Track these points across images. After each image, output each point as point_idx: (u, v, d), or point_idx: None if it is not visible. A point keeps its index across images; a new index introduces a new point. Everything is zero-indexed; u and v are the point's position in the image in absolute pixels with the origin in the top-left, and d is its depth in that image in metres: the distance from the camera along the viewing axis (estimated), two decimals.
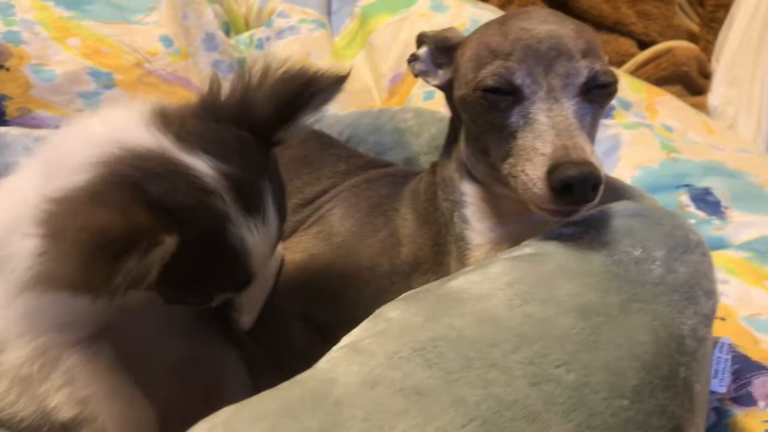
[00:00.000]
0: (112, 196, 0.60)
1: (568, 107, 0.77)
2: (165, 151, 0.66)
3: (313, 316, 0.91)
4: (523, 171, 0.76)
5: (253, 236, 0.67)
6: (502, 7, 2.23)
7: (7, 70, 1.37)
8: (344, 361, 0.60)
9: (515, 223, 0.88)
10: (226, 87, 0.73)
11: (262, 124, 0.71)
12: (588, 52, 0.80)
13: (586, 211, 0.77)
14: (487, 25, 0.89)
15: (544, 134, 0.75)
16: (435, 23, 1.68)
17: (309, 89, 0.71)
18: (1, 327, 0.72)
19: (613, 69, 1.87)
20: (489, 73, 0.80)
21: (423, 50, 0.95)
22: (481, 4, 1.92)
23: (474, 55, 0.85)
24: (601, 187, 0.74)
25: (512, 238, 0.85)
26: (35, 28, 1.41)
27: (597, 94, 0.81)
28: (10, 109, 1.37)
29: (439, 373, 0.57)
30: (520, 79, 0.79)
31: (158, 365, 0.82)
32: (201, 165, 0.65)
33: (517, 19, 0.84)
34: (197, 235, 0.63)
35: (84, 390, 0.72)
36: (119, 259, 0.56)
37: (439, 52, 0.93)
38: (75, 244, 0.56)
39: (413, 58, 0.96)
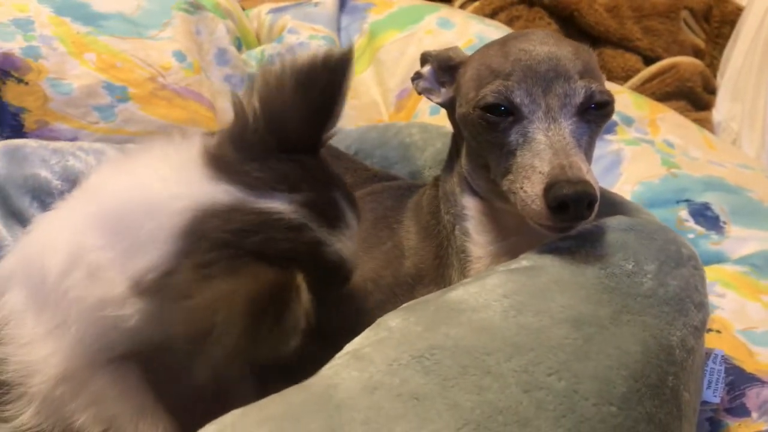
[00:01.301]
0: (224, 263, 0.60)
1: (566, 127, 0.81)
2: (241, 203, 0.65)
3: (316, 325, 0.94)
4: (521, 188, 0.79)
5: (345, 244, 0.70)
6: (509, 23, 2.26)
7: (26, 84, 1.41)
8: (346, 368, 0.63)
9: (514, 236, 0.91)
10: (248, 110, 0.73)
11: (300, 137, 0.71)
12: (585, 73, 0.84)
13: (582, 226, 0.80)
14: (489, 46, 0.92)
15: (541, 153, 0.78)
16: (442, 40, 1.72)
17: (329, 82, 0.72)
18: (35, 353, 0.72)
19: (618, 85, 1.90)
20: (489, 92, 0.83)
21: (426, 68, 0.98)
22: (488, 21, 1.95)
23: (475, 74, 0.88)
24: (596, 205, 0.77)
25: (512, 251, 0.88)
26: (53, 43, 1.45)
27: (594, 114, 0.84)
28: (29, 121, 1.41)
29: (436, 379, 0.60)
30: (519, 98, 0.82)
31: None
32: (278, 204, 0.66)
33: (517, 40, 0.87)
34: (309, 270, 0.64)
35: (111, 409, 0.73)
36: (282, 317, 0.58)
37: (442, 70, 0.96)
38: (229, 323, 0.55)
39: (417, 76, 0.99)
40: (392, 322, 0.69)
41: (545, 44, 0.85)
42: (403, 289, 0.93)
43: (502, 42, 0.90)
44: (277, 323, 0.58)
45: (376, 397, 0.59)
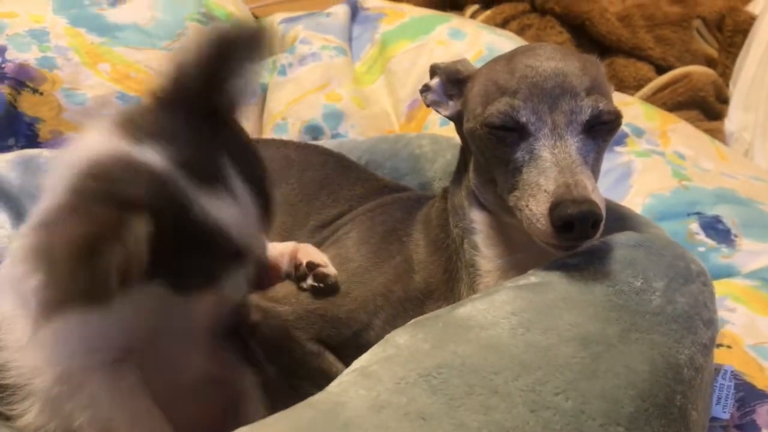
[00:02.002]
0: (81, 208, 0.64)
1: (572, 144, 0.81)
2: (120, 153, 0.69)
3: (327, 339, 0.94)
4: (527, 206, 0.79)
5: (219, 208, 0.70)
6: (520, 32, 2.26)
7: (41, 94, 1.43)
8: (354, 386, 0.64)
9: (523, 251, 0.91)
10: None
11: (198, 98, 0.73)
12: (593, 90, 0.84)
13: (588, 243, 0.80)
14: (496, 61, 0.92)
15: (547, 171, 0.79)
16: (453, 50, 1.72)
17: (229, 50, 0.73)
18: (31, 356, 0.76)
19: (629, 95, 1.89)
20: (495, 111, 0.83)
21: (435, 81, 0.98)
22: (499, 31, 1.96)
23: (482, 90, 0.88)
24: (602, 224, 0.77)
25: (521, 266, 0.88)
26: (68, 54, 1.47)
27: (600, 131, 0.84)
28: (43, 131, 1.43)
29: (443, 398, 0.61)
30: (525, 117, 0.82)
31: (179, 384, 0.86)
32: (149, 156, 0.68)
33: (524, 56, 0.87)
34: (165, 218, 0.66)
35: (106, 412, 0.76)
36: (99, 256, 0.59)
37: (450, 83, 0.96)
38: (60, 263, 0.59)
39: (425, 89, 0.99)
40: (400, 338, 0.70)
41: (552, 60, 0.85)
42: (413, 304, 0.93)
43: (510, 57, 0.90)
44: (93, 262, 0.59)
45: (383, 416, 0.59)
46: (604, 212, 0.77)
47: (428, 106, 0.99)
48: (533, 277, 0.80)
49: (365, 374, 0.65)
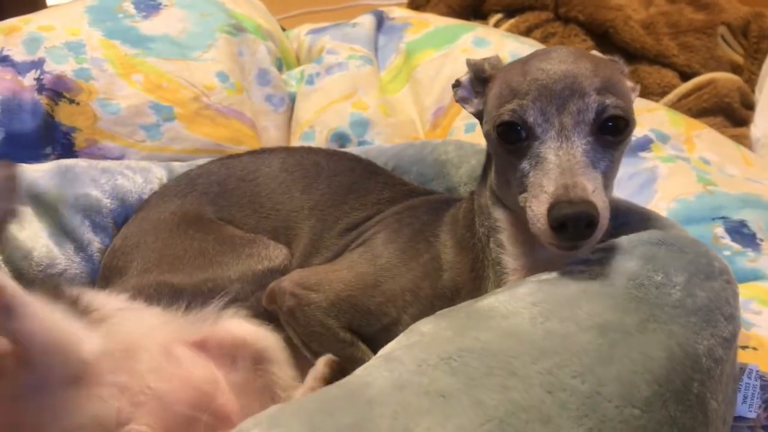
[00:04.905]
0: None
1: (578, 146, 0.83)
2: None
3: (358, 329, 0.97)
4: (530, 206, 0.82)
5: None
6: (543, 40, 2.28)
7: (77, 104, 1.48)
8: (378, 369, 0.67)
9: (547, 249, 0.93)
10: None
11: None
12: (603, 89, 0.85)
13: (597, 244, 0.83)
14: (513, 64, 0.95)
15: (549, 173, 0.81)
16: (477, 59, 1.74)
17: None
18: None
19: (653, 101, 1.88)
20: (505, 112, 0.86)
21: (465, 77, 1.01)
22: (523, 39, 1.97)
23: (498, 92, 0.91)
24: (598, 225, 0.79)
25: (545, 263, 0.89)
26: (103, 65, 1.52)
27: (610, 131, 0.85)
28: (79, 140, 1.47)
29: (463, 379, 0.63)
30: (532, 118, 0.84)
31: None
32: None
33: (537, 59, 0.90)
34: None
35: None
36: None
37: (477, 81, 0.99)
38: None
39: (456, 84, 1.02)
40: (424, 327, 0.73)
41: (563, 62, 0.87)
42: (442, 302, 0.95)
43: (525, 60, 0.92)
44: None
45: (405, 394, 0.62)
46: (606, 213, 0.79)
47: (457, 101, 1.02)
48: (555, 273, 0.82)
49: (389, 359, 0.68)
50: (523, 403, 0.61)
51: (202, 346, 0.96)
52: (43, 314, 0.80)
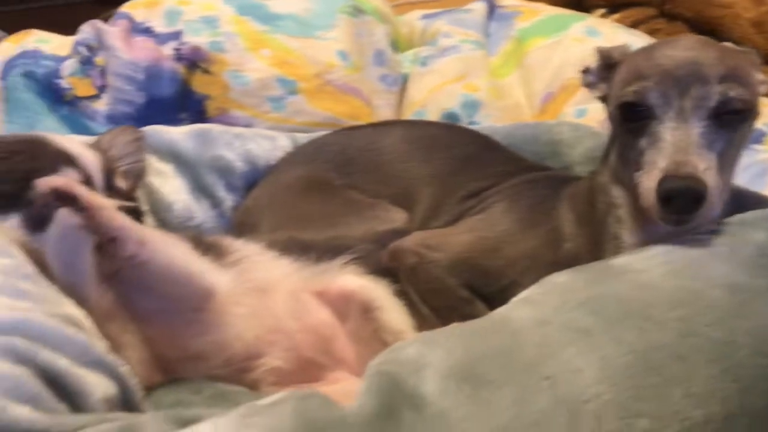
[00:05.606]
0: None
1: (695, 128, 0.86)
2: None
3: (478, 288, 1.03)
4: (642, 182, 0.87)
5: None
6: (651, 34, 2.27)
7: (211, 74, 1.58)
8: (517, 309, 0.73)
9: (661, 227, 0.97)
10: None
11: None
12: (727, 78, 0.88)
13: (696, 221, 0.85)
14: (640, 50, 1.00)
15: (664, 150, 0.86)
16: (589, 48, 1.75)
17: None
18: None
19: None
20: (629, 91, 0.91)
21: (594, 63, 1.06)
22: (633, 31, 1.98)
23: (624, 76, 0.96)
24: (706, 201, 0.82)
25: (661, 240, 0.93)
26: (235, 39, 1.62)
27: (729, 120, 0.88)
28: (211, 108, 1.58)
29: (602, 319, 0.68)
30: (653, 98, 0.89)
31: None
32: None
33: (664, 46, 0.94)
34: None
35: None
36: None
37: (604, 67, 1.04)
38: None
39: (586, 70, 1.06)
40: (559, 278, 0.78)
41: (690, 50, 0.91)
42: (562, 269, 1.00)
43: (651, 47, 0.98)
44: None
45: (548, 329, 0.68)
46: (716, 193, 0.82)
47: (584, 86, 1.07)
48: (684, 239, 0.85)
49: (528, 302, 0.74)
50: (660, 343, 0.66)
51: (321, 296, 1.03)
52: (165, 247, 0.88)
